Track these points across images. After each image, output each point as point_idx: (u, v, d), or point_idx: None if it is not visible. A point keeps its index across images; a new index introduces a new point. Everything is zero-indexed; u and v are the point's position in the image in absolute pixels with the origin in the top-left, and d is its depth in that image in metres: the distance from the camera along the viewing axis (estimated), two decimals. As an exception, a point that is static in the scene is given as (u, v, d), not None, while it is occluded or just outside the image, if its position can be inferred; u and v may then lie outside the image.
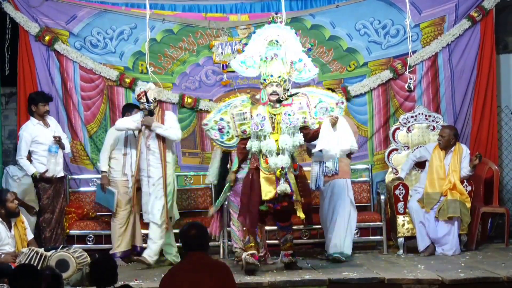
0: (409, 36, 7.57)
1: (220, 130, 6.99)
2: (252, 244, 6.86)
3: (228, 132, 6.98)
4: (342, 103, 6.99)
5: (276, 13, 7.34)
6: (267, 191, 6.71)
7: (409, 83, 7.60)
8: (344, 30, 9.07)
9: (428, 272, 6.66)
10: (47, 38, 8.84)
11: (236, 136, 6.97)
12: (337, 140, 6.82)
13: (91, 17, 8.96)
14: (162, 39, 9.02)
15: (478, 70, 9.01)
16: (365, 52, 9.08)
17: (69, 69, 8.95)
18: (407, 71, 8.38)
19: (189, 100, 8.92)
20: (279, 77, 6.81)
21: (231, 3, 9.17)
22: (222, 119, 6.97)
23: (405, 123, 8.67)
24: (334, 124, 6.84)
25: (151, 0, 8.94)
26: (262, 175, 6.75)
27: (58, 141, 7.78)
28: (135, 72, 9.00)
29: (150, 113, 7.55)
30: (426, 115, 8.66)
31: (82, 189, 8.73)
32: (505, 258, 7.32)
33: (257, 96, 7.13)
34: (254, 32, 7.12)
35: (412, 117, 8.68)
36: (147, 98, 7.41)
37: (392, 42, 9.07)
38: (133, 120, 7.66)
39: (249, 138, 6.85)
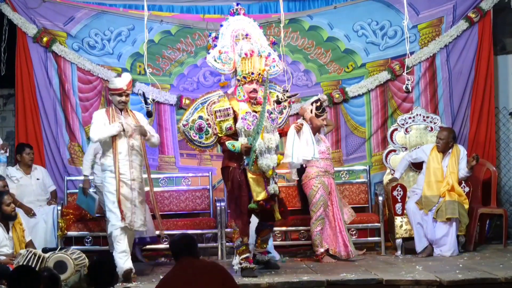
0: (407, 37, 7.57)
1: (199, 129, 6.77)
2: (244, 248, 6.78)
3: (207, 130, 6.77)
4: (294, 102, 7.16)
5: (237, 4, 7.09)
6: (258, 192, 6.64)
7: (407, 84, 7.62)
8: (342, 31, 9.08)
9: (426, 273, 6.65)
10: (45, 39, 8.84)
11: (215, 134, 6.77)
12: (301, 149, 6.92)
13: (89, 19, 8.96)
14: (160, 41, 9.02)
15: (476, 71, 9.02)
16: (363, 53, 9.09)
17: (67, 70, 8.95)
18: (405, 72, 8.40)
19: (187, 101, 8.91)
20: (259, 74, 6.75)
21: (228, 4, 9.14)
22: (200, 117, 6.76)
23: (403, 124, 8.67)
24: (298, 130, 6.93)
25: (149, 1, 8.94)
26: (249, 175, 6.66)
27: (5, 150, 7.64)
28: (133, 74, 8.97)
29: (149, 114, 7.49)
30: (424, 116, 8.66)
31: (80, 190, 8.71)
32: (503, 259, 7.32)
33: (229, 91, 6.92)
34: (221, 25, 6.96)
35: (410, 118, 8.67)
36: (145, 99, 7.34)
37: (390, 43, 9.08)
38: (113, 125, 6.87)
39: (231, 135, 6.72)
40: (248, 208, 6.69)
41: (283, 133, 7.08)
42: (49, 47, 8.88)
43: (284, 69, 7.17)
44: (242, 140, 6.65)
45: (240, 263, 6.74)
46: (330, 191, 7.68)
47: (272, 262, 7.00)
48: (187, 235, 4.79)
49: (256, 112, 6.70)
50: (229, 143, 6.67)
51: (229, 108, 6.69)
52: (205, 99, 6.84)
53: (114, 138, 6.83)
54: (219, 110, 6.68)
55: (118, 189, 6.76)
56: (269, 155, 6.67)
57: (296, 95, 7.07)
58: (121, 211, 6.75)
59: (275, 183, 6.75)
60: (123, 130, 6.82)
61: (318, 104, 7.71)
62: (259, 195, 6.64)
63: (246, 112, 6.66)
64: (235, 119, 6.70)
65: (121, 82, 7.00)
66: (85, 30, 8.97)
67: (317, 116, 7.60)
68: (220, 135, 6.75)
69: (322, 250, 7.59)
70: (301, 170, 7.69)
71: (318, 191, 7.56)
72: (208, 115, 6.75)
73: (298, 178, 7.80)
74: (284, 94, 6.84)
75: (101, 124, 6.87)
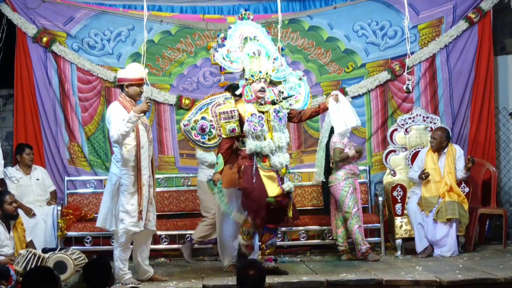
0: (407, 38, 7.55)
1: (201, 130, 6.75)
2: (249, 236, 6.78)
3: (210, 131, 6.75)
4: (304, 76, 7.08)
5: (246, 10, 7.09)
6: (273, 188, 6.60)
7: (408, 84, 7.59)
8: (342, 32, 9.08)
9: (426, 274, 6.66)
10: (44, 39, 8.84)
11: (219, 135, 6.75)
12: (347, 115, 6.92)
13: (88, 19, 8.95)
14: (159, 41, 9.01)
15: (475, 71, 9.02)
16: (363, 53, 9.09)
17: (67, 70, 8.94)
18: (405, 72, 8.39)
19: (187, 102, 8.91)
20: (266, 73, 6.74)
21: (228, 5, 9.17)
22: (203, 118, 6.74)
23: (402, 125, 8.67)
24: (337, 101, 6.92)
25: (149, 1, 8.94)
26: (262, 173, 6.63)
27: None
28: (133, 74, 8.98)
29: None
30: (423, 117, 8.66)
31: (79, 190, 8.71)
32: (503, 260, 7.32)
33: (237, 92, 6.89)
34: (230, 27, 6.92)
35: (409, 118, 8.67)
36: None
37: (390, 44, 9.08)
38: (129, 117, 6.43)
39: (235, 137, 6.71)
40: (266, 201, 6.56)
41: (320, 110, 7.03)
42: (48, 47, 8.88)
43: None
44: (250, 142, 6.62)
45: (241, 244, 6.84)
46: (356, 192, 7.78)
47: (280, 269, 6.88)
48: (258, 265, 4.68)
49: (262, 112, 6.70)
50: (217, 158, 6.75)
51: (234, 110, 6.68)
52: (210, 100, 6.82)
53: (137, 131, 6.51)
54: (224, 112, 6.68)
55: (140, 188, 6.48)
56: (281, 153, 6.69)
57: (291, 96, 7.07)
58: (140, 214, 6.47)
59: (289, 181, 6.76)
60: (139, 117, 6.44)
61: None
62: (274, 191, 6.60)
63: (252, 114, 6.65)
64: (241, 122, 6.69)
65: (141, 71, 6.63)
66: (85, 30, 8.96)
67: None
68: (224, 136, 6.73)
69: (366, 247, 7.62)
70: (328, 172, 7.79)
71: (348, 192, 7.63)
72: (212, 117, 6.73)
73: (324, 180, 7.85)
74: (280, 96, 6.84)
75: (121, 119, 6.41)
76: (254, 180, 6.63)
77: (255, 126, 6.61)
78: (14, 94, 8.98)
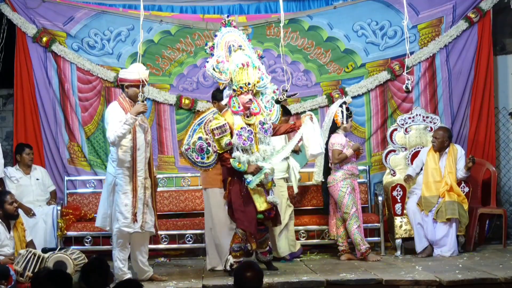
0: (407, 37, 7.55)
1: (200, 150, 6.67)
2: (241, 252, 6.80)
3: (208, 150, 6.67)
4: (277, 89, 7.03)
5: (228, 16, 7.11)
6: (261, 202, 6.63)
7: (407, 83, 7.61)
8: (342, 31, 9.08)
9: (425, 273, 6.66)
10: (44, 39, 8.84)
11: (215, 152, 6.68)
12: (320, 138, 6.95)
13: (88, 19, 8.96)
14: (159, 41, 9.02)
15: (475, 71, 9.02)
16: (362, 53, 9.09)
17: (67, 70, 8.94)
18: (405, 72, 8.39)
19: (187, 101, 8.92)
20: (254, 85, 6.72)
21: (228, 4, 9.18)
22: (200, 138, 6.67)
23: (402, 124, 8.67)
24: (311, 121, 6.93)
25: (149, 1, 8.97)
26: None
27: None
28: (133, 74, 8.98)
29: None
30: (423, 116, 8.66)
31: (79, 190, 8.71)
32: (503, 259, 7.33)
33: (223, 102, 6.90)
34: (215, 36, 6.87)
35: (409, 118, 8.67)
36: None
37: (390, 43, 9.08)
38: (126, 119, 6.47)
39: (231, 150, 6.67)
40: (257, 217, 6.66)
41: (296, 128, 7.02)
42: (48, 47, 8.88)
43: (283, 69, 7.17)
44: (237, 155, 6.59)
45: (232, 265, 6.76)
46: (355, 192, 7.78)
47: (272, 264, 6.97)
48: (255, 266, 4.61)
49: (249, 125, 6.68)
50: (234, 161, 6.61)
51: (225, 124, 6.63)
52: (201, 119, 6.77)
53: (134, 132, 6.53)
54: (217, 128, 6.62)
55: (135, 190, 6.51)
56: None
57: (295, 94, 7.06)
58: (135, 215, 6.49)
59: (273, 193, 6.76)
60: (136, 120, 6.45)
61: (346, 106, 7.73)
62: (262, 205, 6.64)
63: (241, 128, 6.62)
64: (231, 134, 6.66)
65: (142, 72, 6.59)
66: (85, 30, 8.97)
67: (348, 117, 7.69)
68: (220, 151, 6.68)
69: (365, 247, 7.60)
70: (327, 172, 7.80)
71: (346, 192, 7.62)
72: (207, 134, 6.68)
73: (323, 180, 7.86)
74: (284, 94, 6.83)
75: (118, 121, 6.42)
76: (242, 194, 6.64)
77: (244, 140, 6.60)
78: (14, 94, 8.98)
